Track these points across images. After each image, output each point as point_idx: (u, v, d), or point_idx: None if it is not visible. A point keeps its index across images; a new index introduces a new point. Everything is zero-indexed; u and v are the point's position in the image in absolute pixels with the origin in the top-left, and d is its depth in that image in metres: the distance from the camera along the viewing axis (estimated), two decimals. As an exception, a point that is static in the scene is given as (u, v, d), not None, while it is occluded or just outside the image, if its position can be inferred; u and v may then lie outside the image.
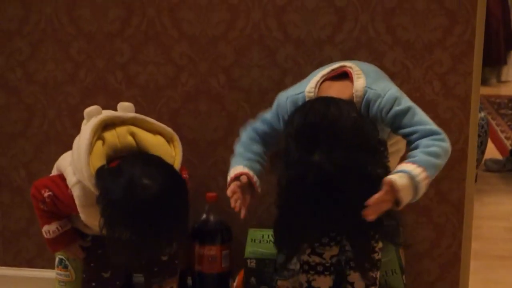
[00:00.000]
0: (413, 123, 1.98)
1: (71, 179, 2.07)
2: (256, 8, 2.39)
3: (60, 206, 2.10)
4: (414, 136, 1.97)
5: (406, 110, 1.98)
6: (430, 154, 1.94)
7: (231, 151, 2.48)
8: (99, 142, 2.02)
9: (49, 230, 2.15)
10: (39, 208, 2.14)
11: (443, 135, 1.97)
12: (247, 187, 2.08)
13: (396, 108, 1.98)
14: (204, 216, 2.44)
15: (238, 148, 2.15)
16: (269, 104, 2.24)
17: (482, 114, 3.76)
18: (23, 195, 2.60)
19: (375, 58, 2.36)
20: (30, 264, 2.65)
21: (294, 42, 2.39)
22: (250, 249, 2.41)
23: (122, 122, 2.10)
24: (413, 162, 1.93)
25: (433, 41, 2.34)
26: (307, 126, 1.90)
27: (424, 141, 1.95)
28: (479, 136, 3.44)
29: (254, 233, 2.47)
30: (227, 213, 2.49)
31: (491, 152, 4.33)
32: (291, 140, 1.91)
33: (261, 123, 2.14)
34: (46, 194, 2.10)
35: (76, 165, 2.03)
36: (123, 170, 1.95)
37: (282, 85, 2.35)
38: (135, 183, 1.92)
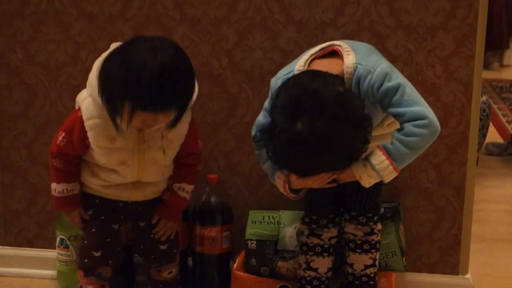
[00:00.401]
0: (402, 102, 1.99)
1: (81, 96, 2.10)
2: (259, -10, 2.39)
3: (74, 139, 2.09)
4: (402, 118, 1.99)
5: (397, 88, 1.99)
6: (406, 144, 1.98)
7: (232, 133, 2.49)
8: None
9: (55, 189, 2.16)
10: (52, 165, 2.15)
11: (429, 119, 1.98)
12: None
13: (387, 85, 1.99)
14: (205, 197, 2.45)
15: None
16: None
17: (484, 97, 3.76)
18: (24, 175, 2.60)
19: (378, 41, 2.35)
20: (31, 244, 2.66)
21: (296, 24, 2.39)
22: (251, 230, 2.42)
23: None
24: (386, 152, 2.00)
25: (436, 25, 2.34)
26: (292, 97, 1.93)
27: (407, 127, 1.98)
28: (480, 119, 3.44)
29: (255, 215, 2.47)
30: (228, 194, 2.51)
31: (493, 135, 4.33)
32: (276, 112, 1.95)
33: (263, 116, 2.14)
34: (60, 138, 2.11)
35: (90, 81, 2.06)
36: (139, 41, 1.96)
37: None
38: (151, 48, 1.92)
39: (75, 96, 2.15)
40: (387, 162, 2.00)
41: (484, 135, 3.82)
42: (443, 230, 2.49)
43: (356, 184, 2.07)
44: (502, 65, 6.46)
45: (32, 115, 2.57)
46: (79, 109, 2.09)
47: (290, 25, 2.39)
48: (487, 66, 6.17)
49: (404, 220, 2.47)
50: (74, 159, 2.14)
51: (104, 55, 2.02)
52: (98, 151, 2.08)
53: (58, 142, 2.12)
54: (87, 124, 2.06)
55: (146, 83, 1.88)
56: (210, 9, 2.42)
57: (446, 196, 2.46)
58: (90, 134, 2.06)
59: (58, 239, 2.48)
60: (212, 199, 2.45)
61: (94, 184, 2.17)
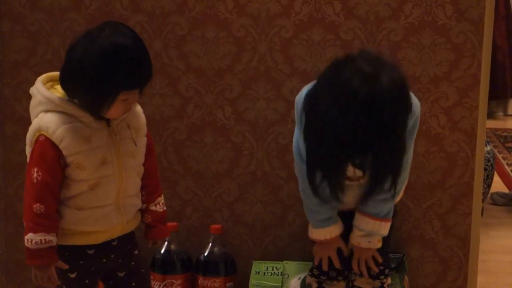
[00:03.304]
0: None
1: (36, 121, 1.99)
2: (263, 41, 2.40)
3: (49, 163, 1.97)
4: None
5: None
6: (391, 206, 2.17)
7: (236, 183, 2.49)
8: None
9: (31, 239, 1.97)
10: (29, 213, 1.98)
11: None
12: None
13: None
14: (208, 247, 2.43)
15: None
16: (274, 135, 2.24)
17: (488, 147, 3.76)
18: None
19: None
20: None
21: (300, 75, 2.40)
22: (254, 281, 2.40)
23: None
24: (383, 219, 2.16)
25: (439, 75, 2.35)
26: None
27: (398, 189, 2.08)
28: (485, 169, 3.43)
29: (258, 266, 2.46)
30: (232, 244, 2.50)
31: (498, 185, 4.32)
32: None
33: (296, 148, 2.15)
34: (35, 174, 1.97)
35: (43, 97, 1.98)
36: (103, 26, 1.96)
37: (288, 117, 2.36)
38: (117, 30, 1.94)
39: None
40: (388, 223, 2.14)
41: (489, 185, 3.81)
42: (449, 281, 2.47)
43: None
44: (506, 114, 6.47)
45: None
46: (37, 137, 1.98)
47: (294, 75, 2.40)
48: (491, 115, 6.18)
49: (409, 271, 2.45)
50: (55, 196, 1.99)
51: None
52: (77, 160, 1.97)
53: (33, 180, 1.96)
54: (56, 135, 1.95)
55: (128, 62, 1.92)
56: (214, 59, 2.43)
57: (451, 246, 2.44)
58: (63, 144, 1.95)
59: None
60: (215, 249, 2.44)
61: (80, 223, 2.03)
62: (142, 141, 2.09)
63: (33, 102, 2.02)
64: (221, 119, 2.47)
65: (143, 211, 2.14)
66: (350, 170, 2.07)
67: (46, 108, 1.98)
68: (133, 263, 2.13)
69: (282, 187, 2.47)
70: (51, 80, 2.04)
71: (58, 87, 2.02)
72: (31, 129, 2.01)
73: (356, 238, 2.18)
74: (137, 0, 2.44)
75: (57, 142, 1.95)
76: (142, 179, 2.11)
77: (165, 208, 2.17)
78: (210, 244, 2.44)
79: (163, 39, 2.45)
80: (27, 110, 2.03)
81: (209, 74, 2.45)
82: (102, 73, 1.91)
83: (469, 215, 2.43)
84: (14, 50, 2.54)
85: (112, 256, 2.08)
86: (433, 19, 2.33)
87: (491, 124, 5.96)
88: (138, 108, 2.09)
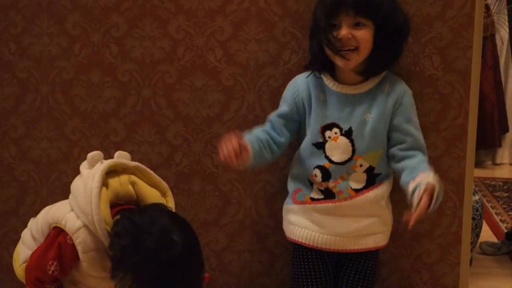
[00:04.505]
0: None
1: (73, 224, 2.02)
2: (251, 90, 2.42)
3: (65, 265, 2.04)
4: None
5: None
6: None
7: (223, 232, 2.47)
8: (103, 187, 2.03)
9: None
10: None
11: None
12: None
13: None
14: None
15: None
16: (262, 184, 2.22)
17: (477, 197, 3.76)
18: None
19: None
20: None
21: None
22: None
23: (124, 169, 2.11)
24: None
25: (427, 125, 2.35)
26: None
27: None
28: (473, 219, 3.43)
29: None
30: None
31: (486, 235, 4.31)
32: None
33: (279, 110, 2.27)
34: (53, 267, 2.03)
35: (82, 208, 2.00)
36: (153, 219, 1.96)
37: (276, 165, 2.36)
38: (166, 236, 1.93)
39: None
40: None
41: (477, 235, 3.80)
42: (438, 331, 2.45)
43: (353, 268, 2.21)
44: (495, 164, 6.48)
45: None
46: (65, 233, 2.03)
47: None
48: (480, 164, 6.19)
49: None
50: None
51: (93, 178, 2.01)
52: (88, 269, 2.04)
53: (49, 271, 2.03)
54: (84, 256, 2.01)
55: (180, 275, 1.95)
56: (203, 107, 2.44)
57: (440, 297, 2.43)
58: (84, 265, 2.02)
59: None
60: (203, 299, 2.42)
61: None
62: None
63: (83, 192, 2.02)
64: (209, 167, 2.46)
65: None
66: (336, 152, 2.14)
67: (84, 222, 2.01)
68: None
69: (270, 236, 2.46)
70: (110, 170, 2.06)
71: (110, 180, 2.05)
72: (71, 224, 2.02)
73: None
74: (126, 48, 2.46)
75: (81, 259, 2.01)
76: None
77: None
78: (197, 293, 2.42)
79: (152, 87, 2.45)
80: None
81: (198, 122, 2.45)
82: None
83: (458, 265, 2.42)
84: (2, 97, 2.54)
85: None
86: (420, 69, 2.34)
87: (480, 173, 5.98)
88: None
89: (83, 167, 2.10)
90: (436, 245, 2.40)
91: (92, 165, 2.07)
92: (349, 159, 2.17)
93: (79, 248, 2.00)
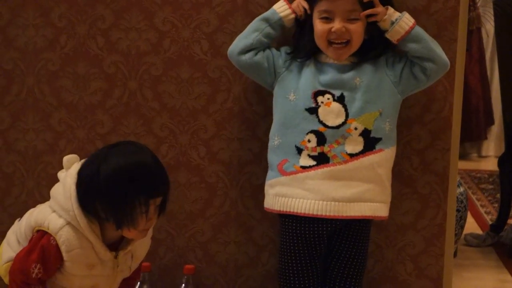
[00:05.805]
0: None
1: (56, 224, 2.03)
2: (237, 82, 2.42)
3: (49, 267, 2.04)
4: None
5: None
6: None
7: (209, 223, 2.48)
8: None
9: None
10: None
11: None
12: None
13: None
14: (182, 288, 2.43)
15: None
16: (248, 176, 2.23)
17: (462, 189, 3.78)
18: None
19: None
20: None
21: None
22: (227, 322, 2.39)
23: None
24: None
25: (412, 117, 2.36)
26: None
27: None
28: (458, 211, 3.44)
29: (232, 306, 2.45)
30: (205, 285, 2.49)
31: (471, 226, 4.33)
32: None
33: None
34: (36, 270, 2.03)
35: (63, 206, 2.02)
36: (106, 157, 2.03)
37: (262, 157, 2.37)
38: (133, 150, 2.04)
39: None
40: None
41: (462, 226, 3.82)
42: (421, 324, 2.47)
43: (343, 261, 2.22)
44: (480, 156, 6.52)
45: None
46: (48, 235, 2.03)
47: (268, 116, 2.42)
48: (465, 156, 6.23)
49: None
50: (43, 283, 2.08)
51: (71, 180, 2.04)
52: (71, 278, 2.06)
53: (32, 274, 2.02)
54: (68, 255, 2.02)
55: (151, 173, 2.00)
56: (189, 99, 2.45)
57: (424, 287, 2.45)
58: (68, 265, 2.03)
59: None
60: (189, 290, 2.43)
61: None
62: (136, 265, 2.18)
63: (62, 192, 2.05)
64: (195, 159, 2.47)
65: None
66: (330, 117, 2.17)
67: (66, 220, 2.02)
68: None
69: (256, 227, 2.47)
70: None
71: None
72: (53, 224, 2.03)
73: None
74: (112, 40, 2.46)
75: (65, 258, 2.03)
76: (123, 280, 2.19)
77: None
78: (183, 284, 2.43)
79: (138, 79, 2.46)
80: None
81: (184, 114, 2.46)
82: (126, 187, 1.97)
83: (442, 256, 2.43)
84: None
85: None
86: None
87: (466, 165, 6.01)
88: (149, 235, 2.13)
89: (61, 173, 2.12)
90: (421, 237, 2.42)
91: (68, 168, 2.10)
92: (343, 123, 2.18)
93: (62, 248, 2.01)
